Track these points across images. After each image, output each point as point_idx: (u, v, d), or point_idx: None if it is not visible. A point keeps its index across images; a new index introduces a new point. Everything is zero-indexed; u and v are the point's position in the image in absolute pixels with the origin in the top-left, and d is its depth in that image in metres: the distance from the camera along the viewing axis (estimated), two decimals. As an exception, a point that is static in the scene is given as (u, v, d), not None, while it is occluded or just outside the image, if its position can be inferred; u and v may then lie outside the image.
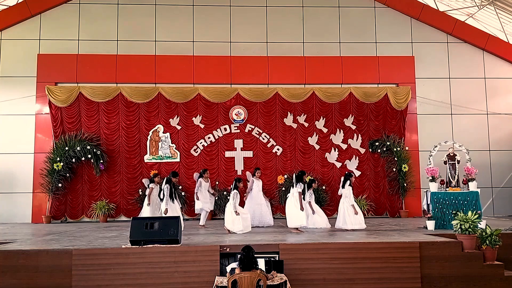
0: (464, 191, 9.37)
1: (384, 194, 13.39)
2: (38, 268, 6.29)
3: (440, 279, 6.68)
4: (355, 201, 9.37)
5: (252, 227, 9.32)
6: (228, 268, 5.95)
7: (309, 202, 9.74)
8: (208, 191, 10.36)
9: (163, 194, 9.04)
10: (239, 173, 13.06)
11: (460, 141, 10.99)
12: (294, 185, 8.98)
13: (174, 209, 9.01)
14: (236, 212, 8.85)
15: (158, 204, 9.59)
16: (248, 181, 10.81)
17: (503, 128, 14.00)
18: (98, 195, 12.81)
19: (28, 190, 12.71)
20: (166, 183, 9.12)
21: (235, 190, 9.10)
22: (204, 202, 10.14)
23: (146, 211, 9.82)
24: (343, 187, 9.33)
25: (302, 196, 9.04)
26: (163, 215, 8.87)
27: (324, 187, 12.99)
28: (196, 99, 13.34)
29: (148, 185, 10.10)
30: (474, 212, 7.33)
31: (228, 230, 8.83)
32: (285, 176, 13.07)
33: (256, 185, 10.40)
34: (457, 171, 9.73)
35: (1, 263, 6.30)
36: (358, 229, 8.97)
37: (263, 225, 10.16)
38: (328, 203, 12.84)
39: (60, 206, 12.64)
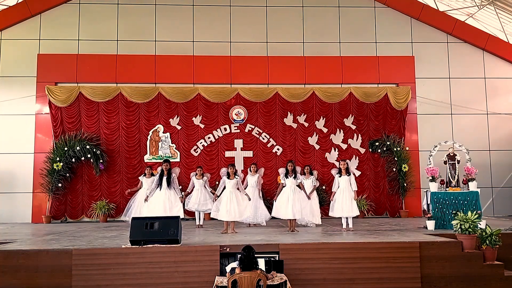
0: (464, 191, 9.36)
1: (384, 194, 13.40)
2: (38, 268, 6.27)
3: (440, 279, 6.67)
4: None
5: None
6: (228, 268, 5.95)
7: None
8: (206, 189, 10.23)
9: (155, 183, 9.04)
10: (239, 173, 13.04)
11: (460, 141, 10.99)
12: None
13: (159, 198, 8.75)
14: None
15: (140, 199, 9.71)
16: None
17: (503, 128, 14.00)
18: (98, 195, 12.82)
19: (28, 190, 12.71)
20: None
21: (224, 176, 8.92)
22: (194, 202, 9.97)
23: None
24: (348, 174, 9.17)
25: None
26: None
27: (324, 187, 12.98)
28: (196, 99, 13.34)
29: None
30: (474, 212, 7.32)
31: (226, 231, 8.79)
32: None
33: (248, 180, 10.11)
34: (457, 171, 9.73)
35: (1, 263, 6.29)
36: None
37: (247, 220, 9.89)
38: (328, 203, 12.79)
39: (60, 206, 12.65)
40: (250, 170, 10.27)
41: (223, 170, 9.20)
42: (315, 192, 10.04)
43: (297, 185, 9.01)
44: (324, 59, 13.72)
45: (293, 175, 8.91)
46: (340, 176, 9.09)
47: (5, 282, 6.22)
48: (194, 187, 10.09)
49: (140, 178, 10.87)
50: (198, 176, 10.09)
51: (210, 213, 9.27)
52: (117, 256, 6.42)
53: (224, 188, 8.88)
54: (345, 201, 8.97)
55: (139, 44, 13.57)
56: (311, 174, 10.05)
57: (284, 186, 8.99)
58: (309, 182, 9.84)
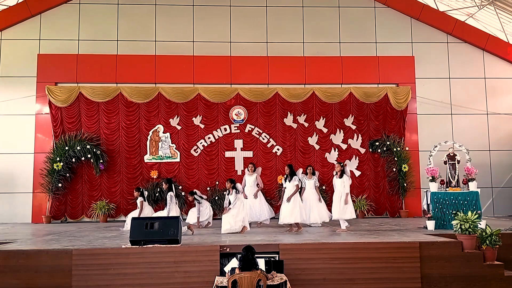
0: (464, 191, 9.36)
1: (384, 194, 13.39)
2: (38, 268, 6.29)
3: (440, 279, 6.68)
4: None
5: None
6: (227, 268, 5.95)
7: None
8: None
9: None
10: (239, 173, 13.08)
11: (460, 141, 10.98)
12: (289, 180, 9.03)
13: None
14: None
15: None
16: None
17: (503, 128, 14.00)
18: (98, 195, 12.81)
19: (28, 190, 12.71)
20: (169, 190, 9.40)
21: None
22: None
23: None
24: (341, 176, 9.15)
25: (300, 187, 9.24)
26: None
27: (324, 187, 12.98)
28: (196, 99, 13.34)
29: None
30: (474, 212, 7.33)
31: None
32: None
33: (246, 180, 10.22)
34: (457, 171, 9.72)
35: (1, 263, 6.30)
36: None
37: (253, 219, 9.95)
38: (328, 203, 12.80)
39: (60, 206, 12.64)
40: (248, 170, 10.38)
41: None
42: (316, 192, 10.08)
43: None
44: (324, 59, 13.72)
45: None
46: (334, 179, 9.25)
47: (5, 282, 6.22)
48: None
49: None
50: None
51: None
52: (117, 256, 6.43)
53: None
54: (336, 203, 9.10)
55: (139, 44, 13.56)
56: (313, 174, 10.13)
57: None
58: (312, 183, 9.92)
